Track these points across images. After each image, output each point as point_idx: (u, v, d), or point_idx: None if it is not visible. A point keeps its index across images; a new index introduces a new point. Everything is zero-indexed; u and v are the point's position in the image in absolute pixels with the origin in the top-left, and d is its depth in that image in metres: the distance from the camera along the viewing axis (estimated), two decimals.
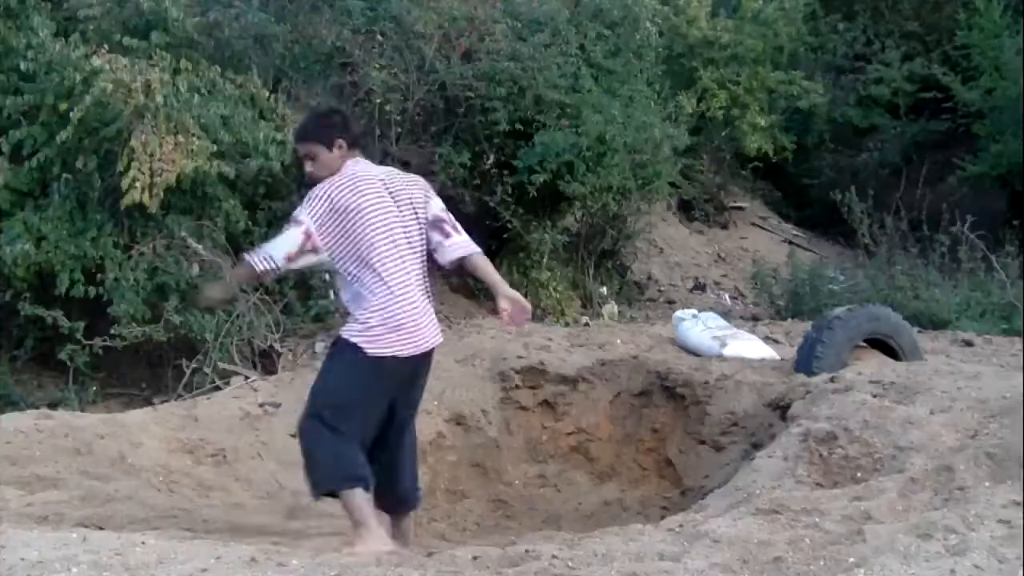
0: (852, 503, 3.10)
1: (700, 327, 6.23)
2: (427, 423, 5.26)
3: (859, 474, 3.54)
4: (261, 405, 5.38)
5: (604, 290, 9.45)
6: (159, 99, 6.04)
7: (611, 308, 9.09)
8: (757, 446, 4.55)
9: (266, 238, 7.25)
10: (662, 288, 10.52)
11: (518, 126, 8.21)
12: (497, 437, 5.40)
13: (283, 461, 4.89)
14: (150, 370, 6.71)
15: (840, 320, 5.56)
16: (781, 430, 4.28)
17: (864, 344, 5.68)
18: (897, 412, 3.87)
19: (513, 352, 5.73)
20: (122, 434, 4.65)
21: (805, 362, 5.38)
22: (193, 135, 6.18)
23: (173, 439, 4.88)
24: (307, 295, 6.99)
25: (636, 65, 9.10)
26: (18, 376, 6.50)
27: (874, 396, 4.21)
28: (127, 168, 6.03)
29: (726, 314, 8.01)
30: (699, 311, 6.75)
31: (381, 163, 7.92)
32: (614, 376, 5.65)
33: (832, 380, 4.63)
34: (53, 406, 5.77)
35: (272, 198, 7.25)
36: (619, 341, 6.24)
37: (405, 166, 8.24)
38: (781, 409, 4.73)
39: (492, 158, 8.49)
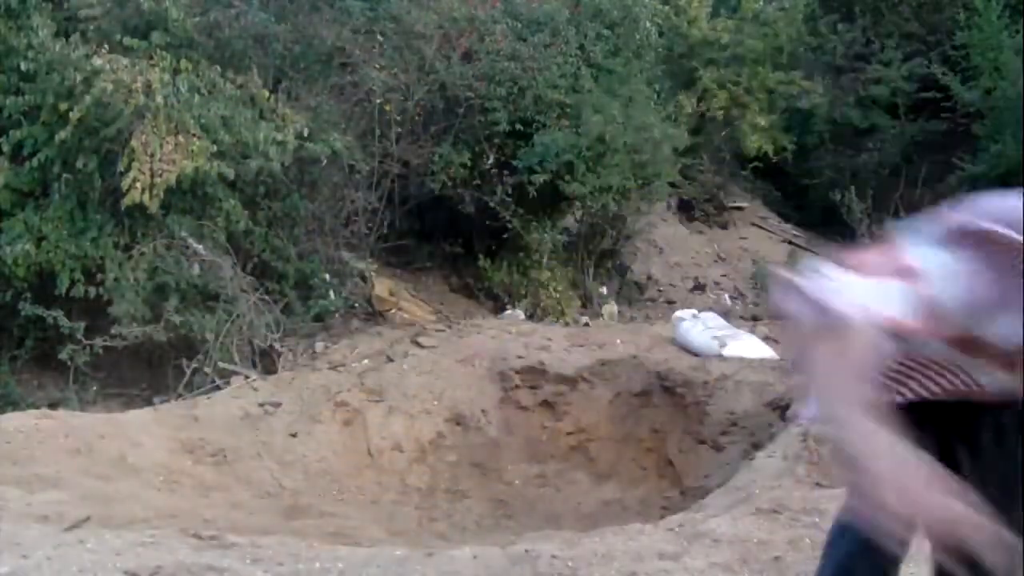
0: None
1: (700, 327, 6.23)
2: (427, 423, 5.27)
3: None
4: (261, 405, 5.38)
5: (604, 290, 9.44)
6: (159, 99, 6.04)
7: (611, 308, 9.08)
8: (757, 446, 4.55)
9: (266, 238, 7.32)
10: (662, 288, 10.51)
11: (518, 126, 8.21)
12: (497, 437, 5.40)
13: (283, 461, 4.90)
14: (150, 370, 6.70)
15: None
16: (781, 430, 4.28)
17: None
18: None
19: (513, 352, 5.73)
20: (122, 434, 4.65)
21: None
22: (193, 135, 6.18)
23: (173, 439, 4.88)
24: (307, 295, 6.98)
25: (636, 65, 9.10)
26: (18, 376, 6.50)
27: None
28: (127, 168, 6.03)
29: (726, 314, 8.00)
30: (699, 311, 6.75)
31: (380, 163, 8.00)
32: (614, 376, 5.64)
33: None
34: (53, 406, 5.76)
35: (272, 198, 7.24)
36: (619, 341, 6.23)
37: (405, 166, 8.25)
38: (781, 409, 4.72)
39: (492, 158, 8.48)
